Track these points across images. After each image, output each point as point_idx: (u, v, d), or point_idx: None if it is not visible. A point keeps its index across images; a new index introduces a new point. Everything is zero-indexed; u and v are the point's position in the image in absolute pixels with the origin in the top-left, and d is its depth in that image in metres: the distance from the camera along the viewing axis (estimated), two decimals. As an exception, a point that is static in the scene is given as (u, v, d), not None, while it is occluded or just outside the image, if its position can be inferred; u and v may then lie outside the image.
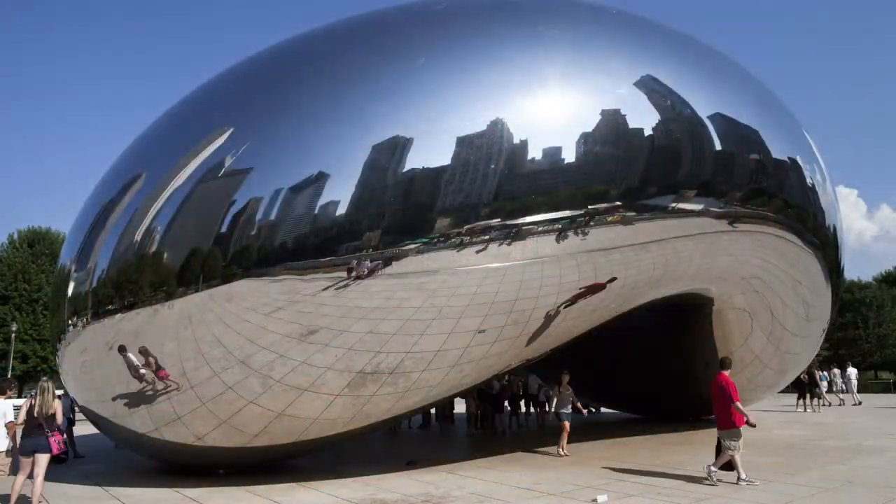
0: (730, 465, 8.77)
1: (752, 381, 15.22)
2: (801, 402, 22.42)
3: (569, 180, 9.43)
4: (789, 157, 12.33)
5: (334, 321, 8.48)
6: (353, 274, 8.26)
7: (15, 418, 9.29)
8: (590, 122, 9.53)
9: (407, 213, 8.67)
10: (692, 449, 12.33)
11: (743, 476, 8.65)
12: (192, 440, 9.13)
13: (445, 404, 18.36)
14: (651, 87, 10.32)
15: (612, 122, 9.69)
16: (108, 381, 9.44)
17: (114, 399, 9.41)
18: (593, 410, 24.32)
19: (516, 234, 8.89)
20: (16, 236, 47.10)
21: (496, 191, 8.86)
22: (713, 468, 8.80)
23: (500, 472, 10.22)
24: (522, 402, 20.62)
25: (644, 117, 10.00)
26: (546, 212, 9.16)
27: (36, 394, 7.90)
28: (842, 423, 17.33)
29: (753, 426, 9.01)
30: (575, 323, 10.56)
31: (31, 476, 7.84)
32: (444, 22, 10.57)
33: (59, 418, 8.01)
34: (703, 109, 10.69)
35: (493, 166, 8.83)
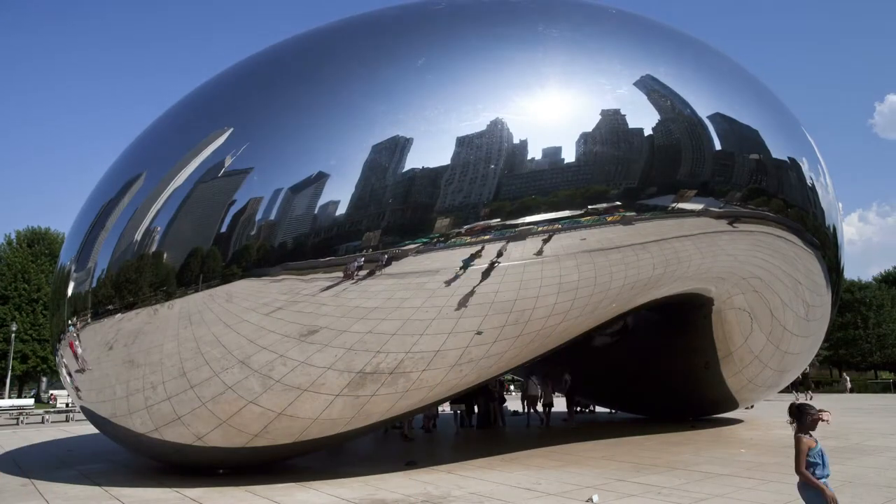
0: None
1: (753, 381, 15.23)
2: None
3: (569, 180, 9.43)
4: (789, 157, 12.33)
5: (334, 321, 8.48)
6: (351, 273, 8.27)
7: None
8: (590, 122, 9.54)
9: (407, 213, 8.67)
10: (693, 449, 12.33)
11: None
12: (192, 440, 9.14)
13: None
14: (651, 87, 10.32)
15: (612, 122, 9.69)
16: (108, 381, 9.44)
17: (114, 399, 9.42)
18: (591, 410, 24.42)
19: (516, 234, 8.90)
20: (14, 236, 47.11)
21: (496, 191, 8.86)
22: None
23: (500, 472, 10.21)
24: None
25: (644, 117, 10.01)
26: (546, 212, 9.16)
27: None
28: (842, 423, 17.30)
29: None
30: (575, 323, 10.56)
31: None
32: (443, 22, 10.57)
33: None
34: (703, 109, 10.70)
35: (492, 166, 8.83)
